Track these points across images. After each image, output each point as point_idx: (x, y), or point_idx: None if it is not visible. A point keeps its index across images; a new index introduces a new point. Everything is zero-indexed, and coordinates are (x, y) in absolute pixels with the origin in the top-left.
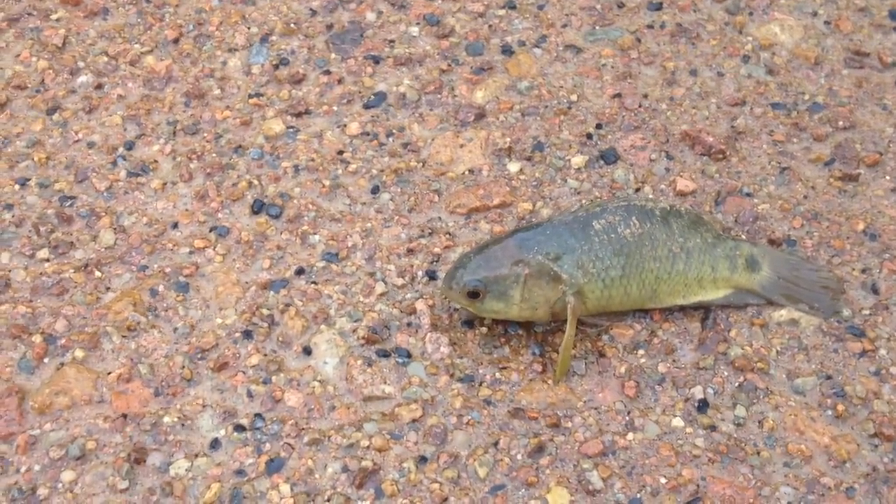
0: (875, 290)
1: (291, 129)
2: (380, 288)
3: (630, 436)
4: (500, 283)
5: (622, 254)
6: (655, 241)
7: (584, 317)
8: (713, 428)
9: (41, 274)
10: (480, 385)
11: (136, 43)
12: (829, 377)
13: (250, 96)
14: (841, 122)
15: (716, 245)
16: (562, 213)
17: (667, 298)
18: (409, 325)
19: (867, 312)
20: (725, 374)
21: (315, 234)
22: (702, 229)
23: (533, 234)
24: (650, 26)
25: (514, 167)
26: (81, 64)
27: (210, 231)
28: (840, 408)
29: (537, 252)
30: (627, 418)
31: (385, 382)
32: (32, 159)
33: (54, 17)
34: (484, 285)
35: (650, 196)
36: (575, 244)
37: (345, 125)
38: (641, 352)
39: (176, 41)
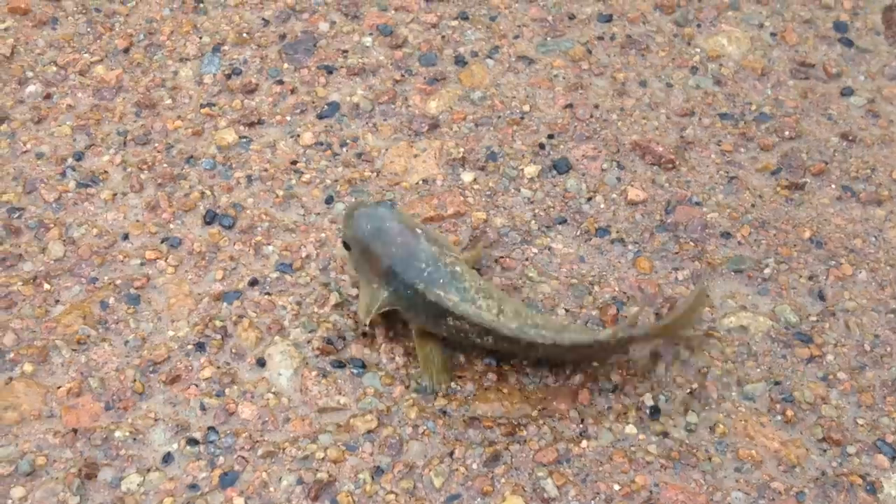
0: (822, 297)
1: (244, 140)
2: (334, 298)
3: (584, 443)
4: None
5: None
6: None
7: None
8: (665, 434)
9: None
10: (436, 395)
11: (86, 52)
12: (777, 383)
13: (202, 106)
14: (787, 132)
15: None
16: None
17: None
18: (364, 335)
19: (814, 319)
20: (677, 380)
21: (269, 244)
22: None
23: None
24: (601, 38)
25: (467, 177)
26: (30, 74)
27: (161, 242)
28: (789, 413)
29: None
30: (581, 426)
31: (340, 393)
32: None
33: (2, 26)
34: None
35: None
36: (421, 315)
37: (298, 135)
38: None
39: (126, 51)
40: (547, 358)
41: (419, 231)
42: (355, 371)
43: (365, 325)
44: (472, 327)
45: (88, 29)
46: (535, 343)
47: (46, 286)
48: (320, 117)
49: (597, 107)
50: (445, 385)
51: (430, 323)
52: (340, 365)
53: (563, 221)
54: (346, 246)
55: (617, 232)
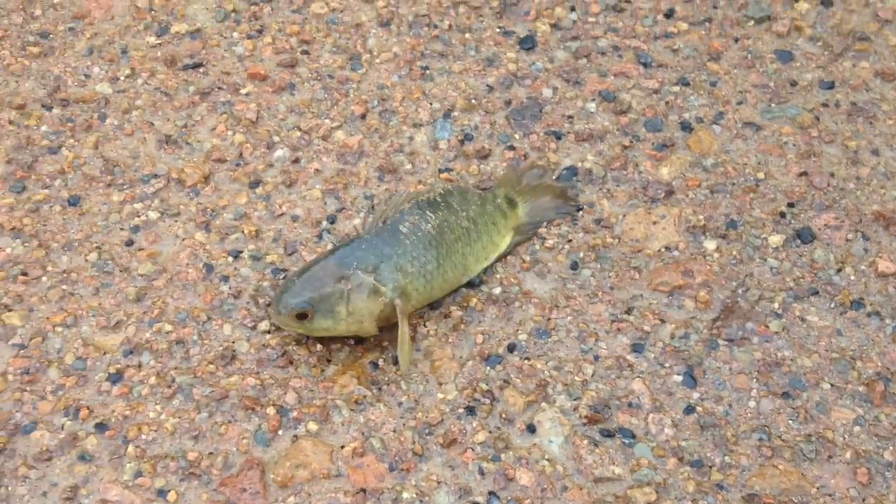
0: None
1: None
2: (592, 366)
3: None
4: (326, 302)
5: (432, 246)
6: (451, 225)
7: None
8: None
9: (264, 346)
10: (711, 469)
11: (326, 118)
12: None
13: (440, 171)
14: None
15: (484, 203)
16: (368, 226)
17: (475, 267)
18: (629, 405)
19: None
20: None
21: (522, 309)
22: (470, 196)
23: (350, 250)
24: (825, 104)
25: (710, 245)
26: (276, 138)
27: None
28: None
29: (357, 267)
30: None
31: (613, 463)
32: (242, 232)
33: (243, 91)
34: (311, 305)
35: (427, 188)
36: (390, 251)
37: None
38: (858, 428)
39: (363, 116)
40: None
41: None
42: (626, 441)
43: (406, 368)
44: (412, 212)
45: (325, 95)
46: (448, 195)
47: (318, 346)
48: (557, 181)
49: (832, 175)
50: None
51: (414, 260)
52: (609, 434)
53: (815, 293)
54: (304, 316)
55: (871, 305)
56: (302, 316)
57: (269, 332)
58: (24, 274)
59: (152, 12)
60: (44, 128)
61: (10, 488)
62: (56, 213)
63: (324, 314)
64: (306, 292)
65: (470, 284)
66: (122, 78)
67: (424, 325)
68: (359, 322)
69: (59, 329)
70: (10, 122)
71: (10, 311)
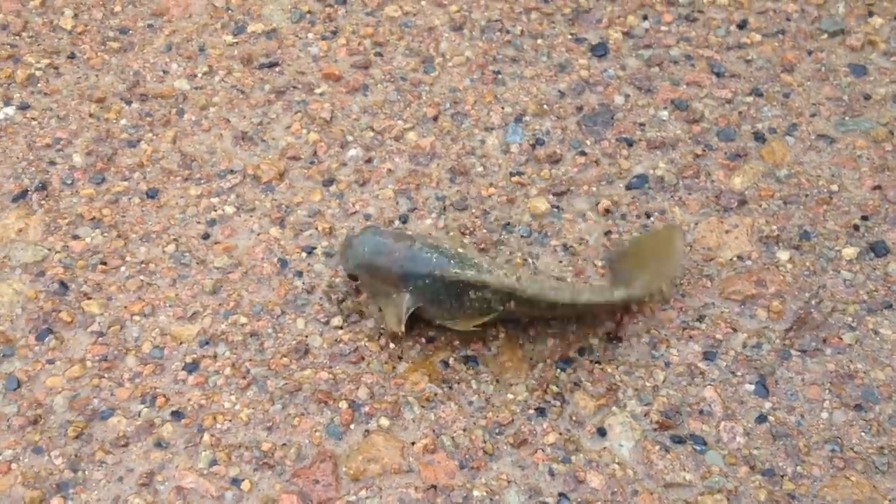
0: None
1: (556, 209)
2: (663, 372)
3: None
4: None
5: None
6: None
7: None
8: None
9: (337, 341)
10: (783, 478)
11: (399, 119)
12: None
13: (511, 175)
14: None
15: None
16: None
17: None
18: (700, 412)
19: None
20: None
21: (593, 313)
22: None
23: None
24: None
25: (783, 255)
26: (350, 138)
27: None
28: None
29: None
30: None
31: (684, 469)
32: (316, 228)
33: (318, 90)
34: None
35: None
36: (444, 300)
37: (606, 207)
38: None
39: (435, 119)
40: (561, 317)
41: (411, 235)
42: (697, 448)
43: (401, 333)
44: (495, 294)
45: (398, 97)
46: (554, 303)
47: (391, 344)
48: (628, 188)
49: None
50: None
51: (454, 307)
52: (680, 441)
53: (889, 306)
54: (354, 277)
55: None
56: None
57: (341, 327)
58: (104, 263)
59: (229, 11)
60: (123, 121)
61: (87, 472)
62: (135, 205)
63: None
64: None
65: None
66: (199, 75)
67: (495, 326)
68: None
69: (136, 318)
70: (91, 115)
71: (89, 298)
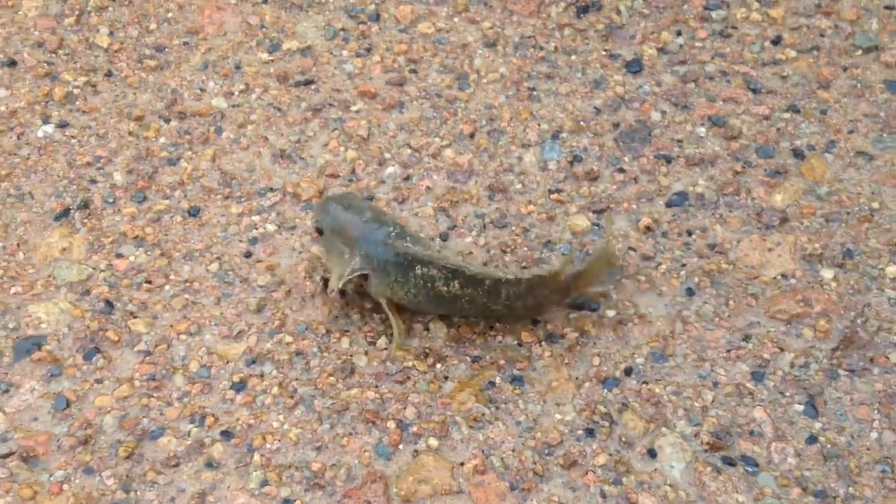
0: None
1: (596, 226)
2: (711, 392)
3: None
4: None
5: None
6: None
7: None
8: None
9: (382, 360)
10: (835, 500)
11: (436, 136)
12: None
13: (550, 192)
14: None
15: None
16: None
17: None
18: (750, 433)
19: None
20: None
21: (636, 331)
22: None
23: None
24: None
25: (827, 274)
26: (387, 155)
27: (532, 325)
28: None
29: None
30: None
31: (737, 491)
32: None
33: (354, 108)
34: None
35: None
36: (391, 272)
37: (647, 224)
38: None
39: (472, 136)
40: (505, 307)
41: (385, 212)
42: (749, 469)
43: (333, 292)
44: (440, 272)
45: (434, 114)
46: (499, 282)
47: (439, 365)
48: (668, 206)
49: None
50: (402, 355)
51: (398, 282)
52: (731, 462)
53: None
54: (320, 231)
55: None
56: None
57: (386, 347)
58: (148, 282)
59: (263, 29)
60: (162, 139)
61: (139, 493)
62: (177, 224)
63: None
64: None
65: (584, 306)
66: (236, 93)
67: (539, 345)
68: None
69: (183, 337)
70: (130, 133)
71: (135, 317)
